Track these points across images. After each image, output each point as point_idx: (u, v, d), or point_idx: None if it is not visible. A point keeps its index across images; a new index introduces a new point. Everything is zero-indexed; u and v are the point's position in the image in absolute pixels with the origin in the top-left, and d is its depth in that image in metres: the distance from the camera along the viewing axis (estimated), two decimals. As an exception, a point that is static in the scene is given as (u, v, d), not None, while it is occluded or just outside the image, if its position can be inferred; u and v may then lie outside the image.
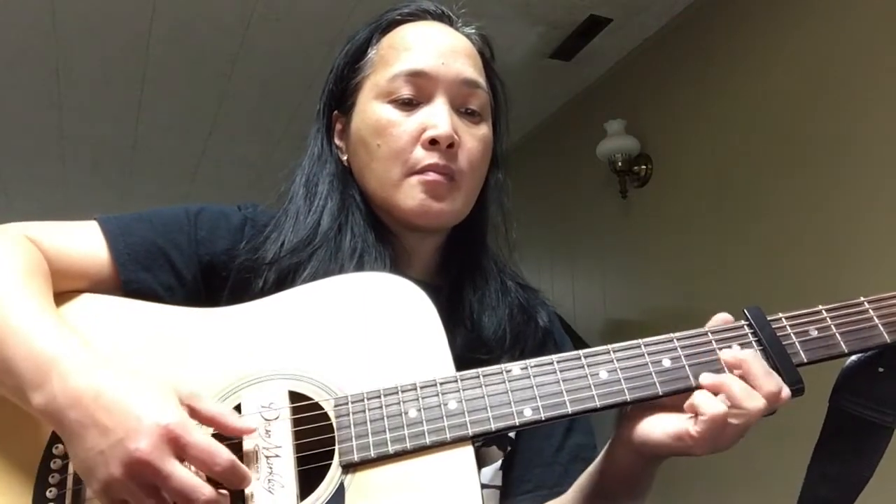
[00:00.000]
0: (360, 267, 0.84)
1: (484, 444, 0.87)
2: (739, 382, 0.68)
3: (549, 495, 0.87)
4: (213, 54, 2.97)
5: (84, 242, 0.82)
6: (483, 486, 0.85)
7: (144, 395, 0.64)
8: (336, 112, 0.94)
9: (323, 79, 0.97)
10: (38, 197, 4.45)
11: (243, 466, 0.65)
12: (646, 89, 3.01)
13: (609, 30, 2.90)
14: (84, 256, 0.81)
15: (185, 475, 0.61)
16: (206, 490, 0.61)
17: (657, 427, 0.71)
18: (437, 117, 0.85)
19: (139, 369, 0.68)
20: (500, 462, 0.89)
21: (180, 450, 0.62)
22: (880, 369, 0.72)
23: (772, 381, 0.68)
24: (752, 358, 0.69)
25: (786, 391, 0.68)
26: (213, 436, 0.69)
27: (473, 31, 0.94)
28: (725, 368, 0.70)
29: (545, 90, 3.40)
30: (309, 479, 0.68)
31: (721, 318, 0.75)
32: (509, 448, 0.90)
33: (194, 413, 0.67)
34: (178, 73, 3.10)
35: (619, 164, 2.97)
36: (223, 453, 0.63)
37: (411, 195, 0.84)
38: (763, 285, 2.31)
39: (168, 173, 4.15)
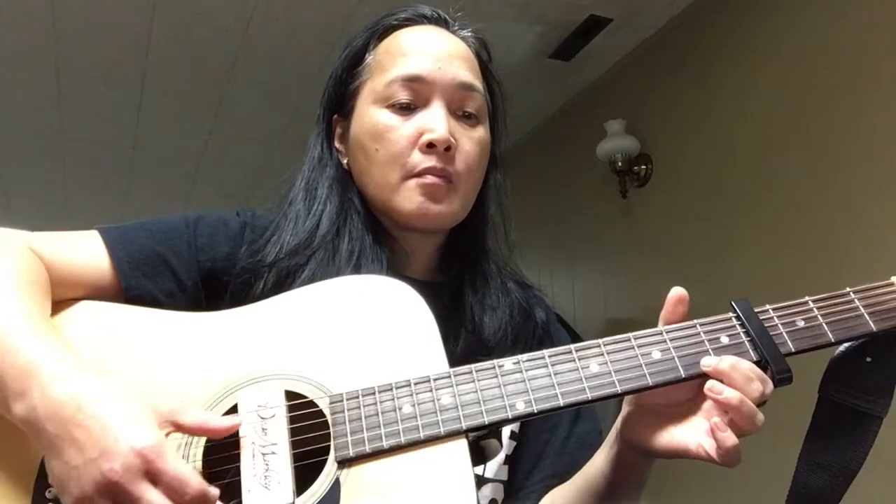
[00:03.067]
0: (357, 269, 0.85)
1: (483, 437, 0.88)
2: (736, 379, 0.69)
3: (560, 483, 0.89)
4: (213, 54, 2.97)
5: (85, 251, 0.83)
6: (488, 481, 0.87)
7: (123, 414, 0.63)
8: (336, 116, 0.95)
9: (323, 80, 0.98)
10: (38, 197, 4.45)
11: (215, 495, 0.63)
12: (646, 89, 3.01)
13: (609, 30, 2.90)
14: (85, 265, 0.82)
15: (156, 499, 0.60)
16: None
17: (672, 437, 0.72)
18: (434, 121, 0.86)
19: (123, 383, 0.67)
20: (503, 457, 0.90)
21: (152, 475, 0.61)
22: (868, 359, 0.73)
23: (754, 386, 0.68)
24: (730, 368, 0.69)
25: (769, 387, 0.69)
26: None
27: (470, 33, 0.95)
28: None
29: (545, 90, 3.40)
30: (305, 475, 0.69)
31: (674, 293, 0.76)
32: (513, 442, 0.91)
33: (180, 427, 0.66)
34: (178, 73, 3.11)
35: (619, 164, 2.97)
36: (194, 482, 0.61)
37: (409, 198, 0.86)
38: (763, 285, 2.31)
39: (168, 173, 4.15)
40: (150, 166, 4.04)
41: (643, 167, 2.97)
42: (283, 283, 0.84)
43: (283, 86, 3.21)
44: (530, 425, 0.92)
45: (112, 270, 0.82)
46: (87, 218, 0.90)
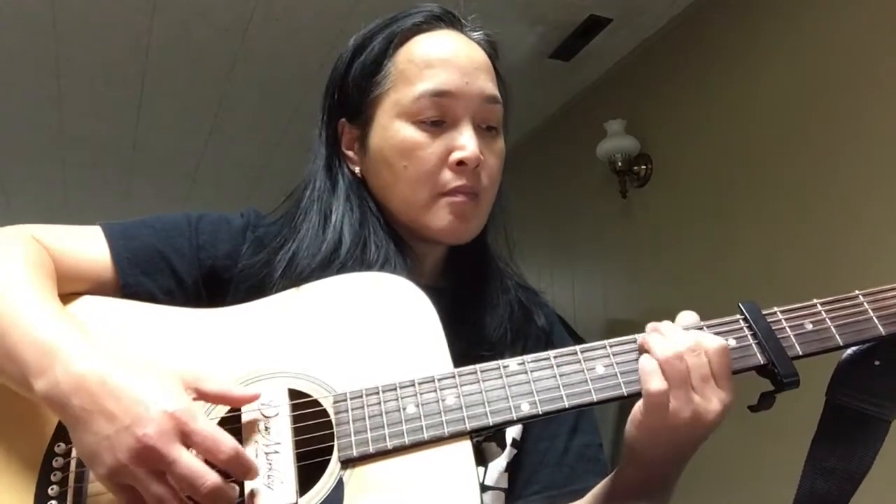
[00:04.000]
0: None
1: (484, 439, 0.88)
2: (660, 337, 0.71)
3: (559, 495, 0.88)
4: (213, 54, 2.97)
5: (87, 246, 0.83)
6: (489, 488, 0.86)
7: (149, 382, 0.64)
8: (343, 120, 0.93)
9: (323, 80, 0.96)
10: (38, 197, 4.44)
11: (248, 456, 0.65)
12: (646, 89, 3.01)
13: (609, 30, 2.90)
14: (87, 259, 0.82)
15: (191, 461, 0.61)
16: (212, 476, 0.61)
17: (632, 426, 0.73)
18: (464, 139, 0.86)
19: (143, 357, 0.69)
20: (504, 464, 0.89)
21: (186, 437, 0.62)
22: (876, 362, 0.73)
23: (685, 337, 0.70)
24: (666, 325, 0.72)
25: (709, 343, 0.70)
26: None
27: (481, 35, 0.94)
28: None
29: (545, 90, 3.40)
30: (309, 475, 0.69)
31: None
32: (514, 450, 0.91)
33: (202, 395, 0.68)
34: (178, 73, 3.10)
35: (619, 164, 2.96)
36: (228, 441, 0.63)
37: (440, 216, 0.86)
38: (763, 285, 2.31)
39: (168, 173, 4.14)
40: (150, 166, 4.03)
41: (643, 167, 2.97)
42: None
43: (283, 86, 3.21)
44: (530, 433, 0.92)
45: (112, 266, 0.83)
46: (87, 218, 0.90)
